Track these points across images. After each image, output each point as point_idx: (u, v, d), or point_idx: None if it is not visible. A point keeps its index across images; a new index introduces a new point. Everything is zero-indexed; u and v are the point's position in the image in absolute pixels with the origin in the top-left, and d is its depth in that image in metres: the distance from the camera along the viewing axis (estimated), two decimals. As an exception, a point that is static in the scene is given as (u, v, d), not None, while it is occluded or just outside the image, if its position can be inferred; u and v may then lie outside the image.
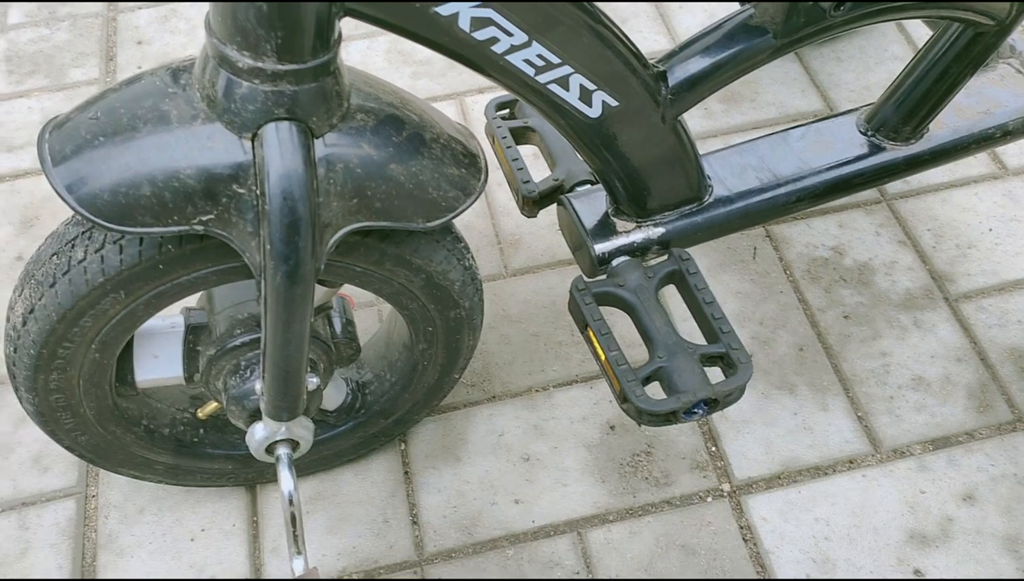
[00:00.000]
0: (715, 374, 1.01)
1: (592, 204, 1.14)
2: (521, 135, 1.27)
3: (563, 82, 0.91)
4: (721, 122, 1.59)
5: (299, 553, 0.97)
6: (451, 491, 1.21)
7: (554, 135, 1.23)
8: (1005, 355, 1.29)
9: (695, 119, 1.59)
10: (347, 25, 1.78)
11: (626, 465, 1.22)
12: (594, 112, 0.95)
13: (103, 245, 0.85)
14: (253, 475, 1.18)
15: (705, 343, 1.05)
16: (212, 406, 1.10)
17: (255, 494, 1.22)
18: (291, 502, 0.96)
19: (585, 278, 1.08)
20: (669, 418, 1.01)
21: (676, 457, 1.23)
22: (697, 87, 1.00)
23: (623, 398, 1.00)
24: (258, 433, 0.97)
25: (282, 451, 0.98)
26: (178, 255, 0.86)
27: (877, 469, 1.20)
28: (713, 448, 1.23)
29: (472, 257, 1.04)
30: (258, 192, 0.78)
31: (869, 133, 1.20)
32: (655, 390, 1.01)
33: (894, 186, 1.48)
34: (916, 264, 1.39)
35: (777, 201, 1.16)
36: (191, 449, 1.11)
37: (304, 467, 1.20)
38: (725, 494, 1.19)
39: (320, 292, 0.99)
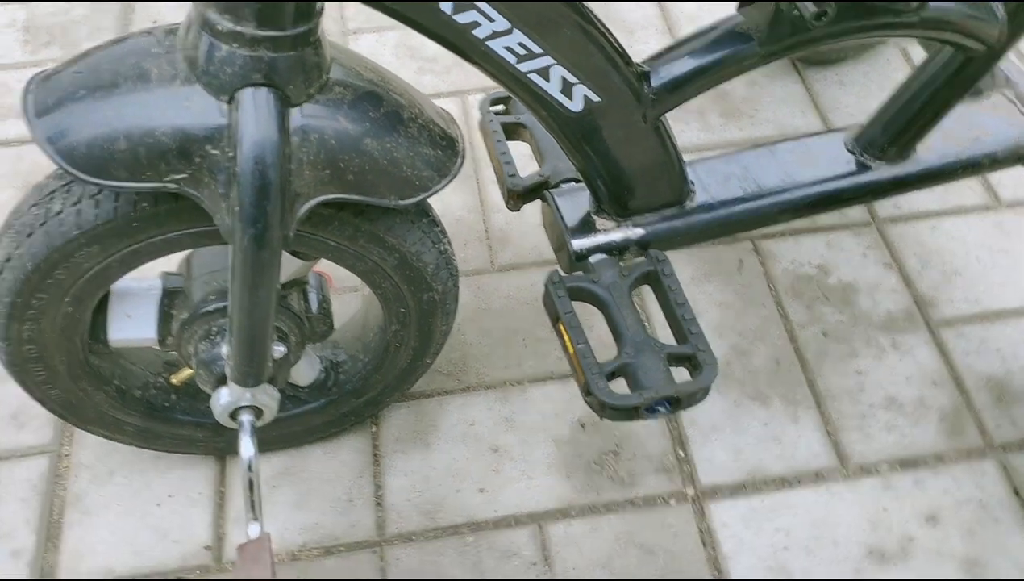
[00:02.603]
0: (682, 375, 1.02)
1: (574, 201, 1.15)
2: (513, 131, 1.28)
3: (544, 73, 0.93)
4: (718, 136, 1.60)
5: (255, 519, 0.98)
6: (418, 476, 1.22)
7: (544, 132, 1.24)
8: (981, 382, 1.29)
9: (692, 130, 1.60)
10: (357, 18, 1.82)
11: (593, 463, 1.23)
12: (575, 106, 0.97)
13: (80, 199, 0.87)
14: (223, 445, 1.20)
15: (675, 344, 1.06)
16: (186, 373, 1.11)
17: (224, 465, 1.24)
18: (250, 468, 0.97)
19: (561, 273, 1.09)
20: (631, 413, 1.01)
21: (643, 458, 1.23)
22: (680, 89, 1.01)
23: (587, 390, 1.01)
24: (223, 398, 0.98)
25: (245, 418, 0.99)
26: (152, 214, 0.87)
27: (842, 484, 1.20)
28: (681, 452, 1.24)
29: (448, 242, 1.05)
30: (231, 155, 0.79)
31: (856, 151, 1.21)
32: (621, 386, 1.02)
33: (884, 210, 1.49)
34: (900, 287, 1.40)
35: (759, 211, 1.17)
36: (162, 414, 1.13)
37: (274, 442, 1.21)
38: (689, 498, 1.20)
39: (296, 266, 1.00)
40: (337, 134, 0.84)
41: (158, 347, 1.04)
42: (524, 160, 1.24)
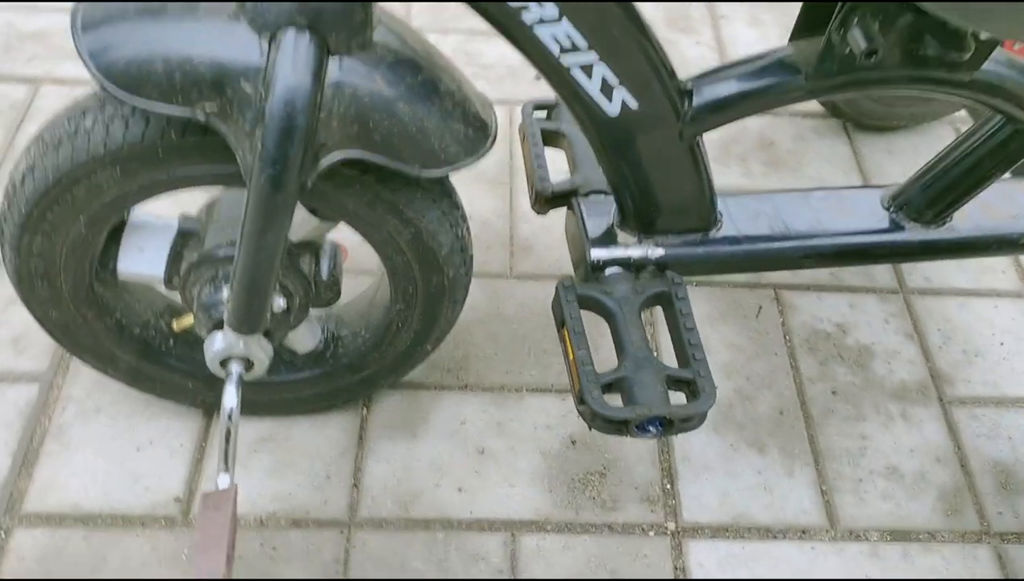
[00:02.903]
0: (681, 400, 0.99)
1: (600, 211, 1.14)
2: (552, 138, 1.28)
3: (587, 69, 0.92)
4: (759, 183, 1.59)
5: (226, 470, 0.97)
6: (399, 464, 1.20)
7: (582, 144, 1.24)
8: (987, 467, 1.25)
9: (733, 174, 1.59)
10: (421, 17, 1.84)
11: (577, 481, 1.20)
12: (613, 109, 0.96)
13: (112, 118, 0.88)
14: (212, 399, 1.19)
15: (677, 367, 1.04)
16: (188, 321, 1.11)
17: (210, 421, 1.23)
18: (230, 418, 0.96)
19: (575, 280, 1.08)
20: (621, 428, 0.99)
21: (629, 485, 1.20)
22: (720, 111, 1.00)
23: (580, 398, 0.99)
24: (216, 343, 0.98)
25: (235, 367, 0.98)
26: (178, 145, 0.88)
27: (828, 545, 1.16)
28: (668, 485, 1.21)
29: (467, 230, 1.04)
30: (263, 94, 0.80)
31: (891, 209, 1.19)
32: (617, 402, 1.00)
33: (914, 280, 1.46)
34: (918, 359, 1.36)
35: (784, 253, 1.15)
36: (157, 356, 1.13)
37: (262, 406, 1.20)
38: (668, 532, 1.16)
39: (312, 225, 1.00)
40: (371, 92, 0.84)
41: (163, 286, 1.04)
42: (558, 171, 1.23)
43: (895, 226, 1.18)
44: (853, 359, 1.36)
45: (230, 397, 0.96)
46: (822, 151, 1.65)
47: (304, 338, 1.14)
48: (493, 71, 1.75)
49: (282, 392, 1.18)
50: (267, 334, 1.01)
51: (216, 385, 1.16)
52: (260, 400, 1.19)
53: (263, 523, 1.14)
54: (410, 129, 0.86)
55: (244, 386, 1.16)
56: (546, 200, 1.19)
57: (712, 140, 1.63)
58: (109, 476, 1.17)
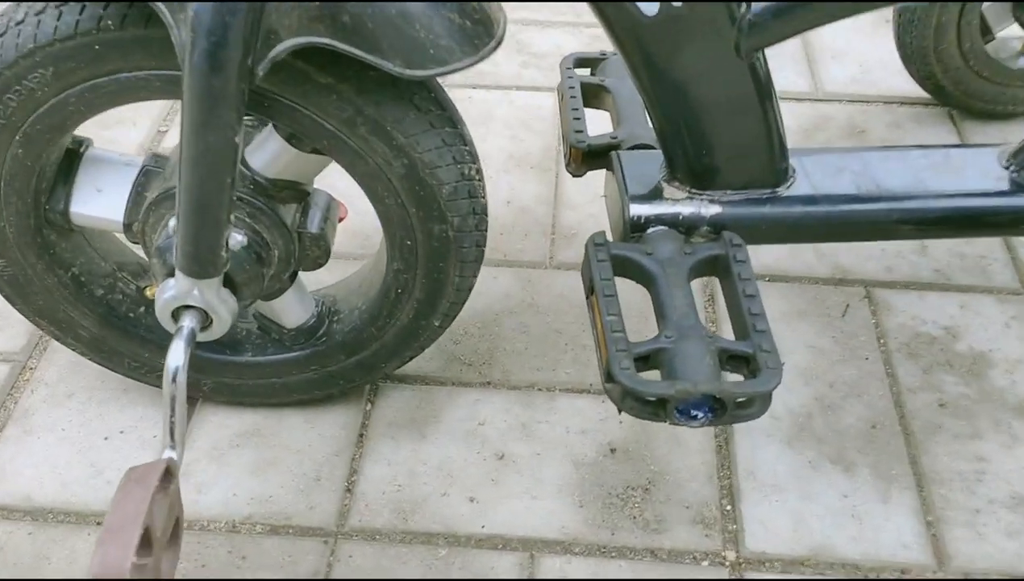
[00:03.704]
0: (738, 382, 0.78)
1: (644, 164, 0.95)
2: (594, 95, 1.11)
3: (615, -49, 0.75)
4: (846, 174, 1.36)
5: (172, 445, 0.80)
6: (402, 468, 1.01)
7: (628, 98, 1.06)
8: None
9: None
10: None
11: (615, 496, 0.98)
12: (650, 7, 0.78)
13: (44, 9, 0.74)
14: (193, 382, 1.02)
15: (732, 339, 0.82)
16: (163, 285, 0.96)
17: (194, 409, 1.06)
18: (174, 379, 0.79)
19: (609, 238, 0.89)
20: (658, 410, 0.78)
21: (679, 504, 0.98)
22: (784, 17, 0.80)
23: (607, 374, 0.79)
24: (167, 290, 0.81)
25: (187, 322, 0.81)
26: (116, 39, 0.73)
27: (935, 589, 0.91)
28: (728, 507, 0.98)
29: (477, 172, 0.86)
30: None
31: (1012, 168, 0.96)
32: (655, 379, 0.79)
33: (1041, 279, 1.21)
34: (1049, 370, 1.10)
35: (873, 216, 0.93)
36: (123, 324, 0.97)
37: (247, 392, 1.03)
38: (727, 563, 0.93)
39: (290, 156, 0.84)
40: (337, -40, 0.68)
41: (123, 233, 0.89)
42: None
43: (1017, 187, 0.95)
44: (966, 368, 1.11)
45: (176, 354, 0.80)
46: (923, 139, 1.42)
47: (293, 309, 0.97)
48: (545, 61, 1.59)
49: (268, 375, 1.01)
50: (234, 288, 0.84)
51: (197, 364, 1.00)
52: (244, 384, 1.02)
53: (235, 528, 0.96)
54: (389, 12, 0.70)
55: (225, 369, 1.01)
56: (583, 157, 1.01)
57: (791, 127, 1.42)
58: (69, 466, 1.01)
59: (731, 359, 0.81)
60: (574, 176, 1.03)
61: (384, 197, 0.83)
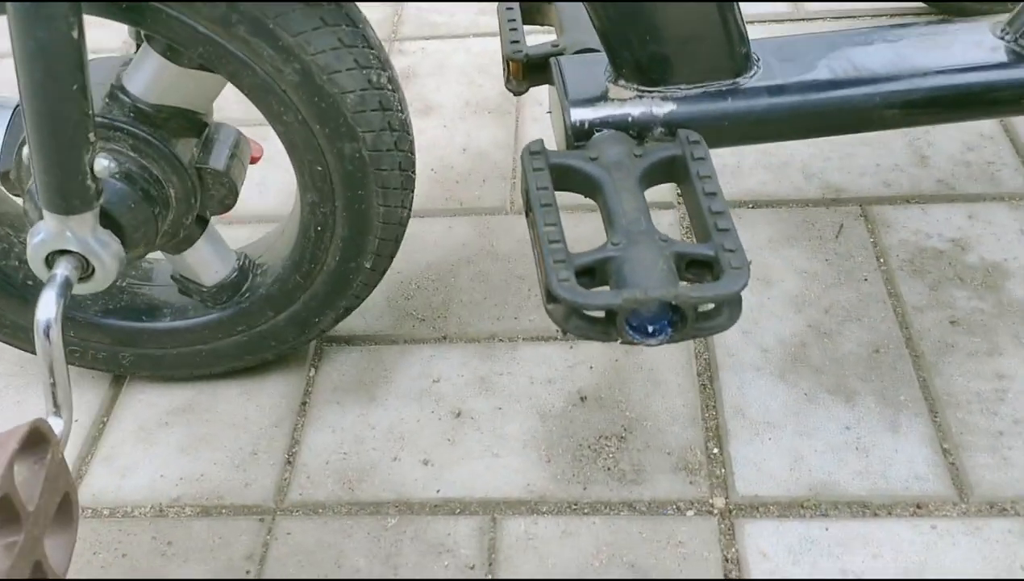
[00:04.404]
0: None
1: (587, 67, 0.84)
2: (536, 11, 1.00)
3: None
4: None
5: (56, 411, 0.69)
6: (348, 434, 0.90)
7: (572, 6, 0.95)
8: None
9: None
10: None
11: (586, 447, 0.87)
12: None
13: None
14: (106, 357, 0.92)
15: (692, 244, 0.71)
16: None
17: (118, 392, 0.96)
18: (47, 335, 0.69)
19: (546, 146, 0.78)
20: (607, 328, 0.67)
21: (659, 450, 0.86)
22: None
23: (548, 292, 0.68)
24: (37, 233, 0.71)
25: (61, 269, 0.71)
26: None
27: (957, 523, 0.78)
28: (715, 449, 0.86)
29: (389, 81, 0.76)
30: None
31: (1008, 37, 0.83)
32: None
33: (1057, 181, 1.08)
34: (1073, 276, 0.98)
35: (853, 102, 0.82)
36: (20, 293, 0.87)
37: (173, 365, 0.93)
38: (715, 511, 0.81)
39: (170, 74, 0.74)
40: None
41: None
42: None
43: (1017, 58, 0.82)
44: (978, 280, 0.98)
45: (46, 306, 0.69)
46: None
47: (210, 262, 0.87)
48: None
49: (193, 341, 0.91)
50: (121, 232, 0.74)
51: (113, 335, 0.90)
52: (167, 354, 0.92)
53: (162, 511, 0.86)
54: None
55: (143, 338, 0.91)
56: (522, 70, 0.90)
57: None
58: (-17, 460, 0.91)
59: (692, 266, 0.69)
60: (516, 93, 0.92)
61: (282, 114, 0.73)
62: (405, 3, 1.51)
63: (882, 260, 1.02)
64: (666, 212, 1.10)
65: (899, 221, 1.06)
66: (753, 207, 1.10)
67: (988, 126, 1.17)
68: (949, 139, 1.15)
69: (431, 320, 1.01)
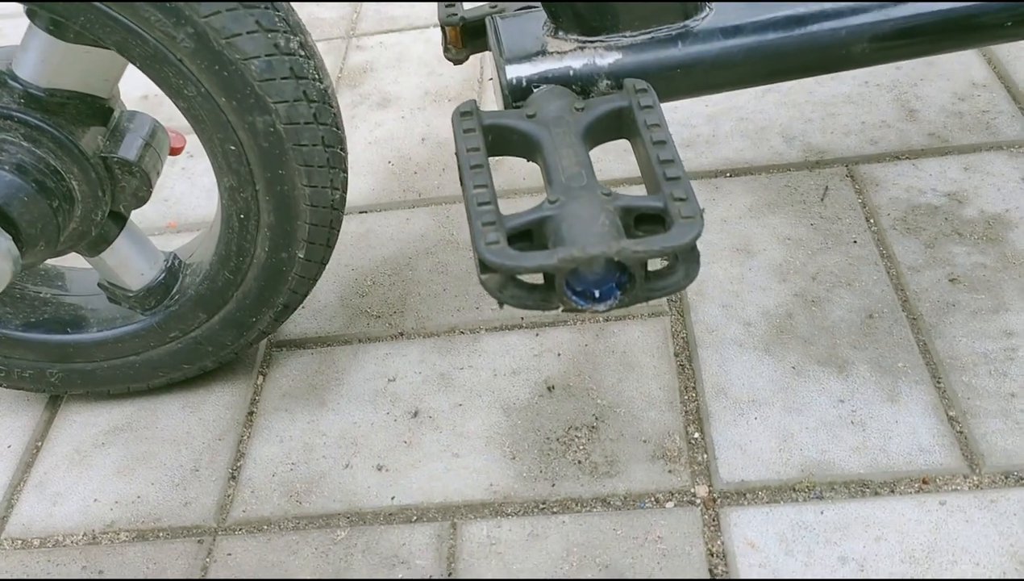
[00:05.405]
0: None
1: (524, 23, 0.77)
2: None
3: None
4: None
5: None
6: (297, 443, 0.83)
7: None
8: None
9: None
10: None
11: (555, 440, 0.79)
12: None
13: None
14: (31, 376, 0.86)
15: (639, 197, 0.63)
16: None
17: (54, 413, 0.90)
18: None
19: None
20: (547, 295, 0.59)
21: (634, 439, 0.78)
22: None
23: (480, 261, 0.60)
24: (-83, 235, 0.65)
25: (-52, 269, 0.65)
26: None
27: (968, 497, 0.70)
28: (696, 434, 0.78)
29: (302, 45, 0.69)
30: None
31: (989, -44, 0.76)
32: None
33: (1059, 125, 0.99)
34: (1083, 223, 0.89)
35: (817, 38, 0.74)
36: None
37: (107, 379, 0.86)
38: (698, 501, 0.73)
39: (57, 53, 0.67)
40: None
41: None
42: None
43: (999, -23, 0.74)
44: (978, 233, 0.90)
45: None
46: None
47: (133, 264, 0.80)
48: (470, -4, 1.42)
49: (123, 352, 0.84)
50: (14, 229, 0.67)
51: (36, 349, 0.83)
52: (98, 368, 0.85)
53: (95, 539, 0.78)
54: None
55: (70, 351, 0.84)
56: (460, 37, 0.83)
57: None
58: (-93, 495, 0.85)
59: (641, 221, 0.62)
60: (455, 63, 0.85)
61: (182, 88, 0.66)
62: (363, 2, 1.45)
63: (872, 221, 0.93)
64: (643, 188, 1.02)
65: (889, 179, 0.98)
66: (731, 176, 1.02)
67: (980, 73, 1.08)
68: (938, 90, 1.07)
69: (387, 316, 0.93)
